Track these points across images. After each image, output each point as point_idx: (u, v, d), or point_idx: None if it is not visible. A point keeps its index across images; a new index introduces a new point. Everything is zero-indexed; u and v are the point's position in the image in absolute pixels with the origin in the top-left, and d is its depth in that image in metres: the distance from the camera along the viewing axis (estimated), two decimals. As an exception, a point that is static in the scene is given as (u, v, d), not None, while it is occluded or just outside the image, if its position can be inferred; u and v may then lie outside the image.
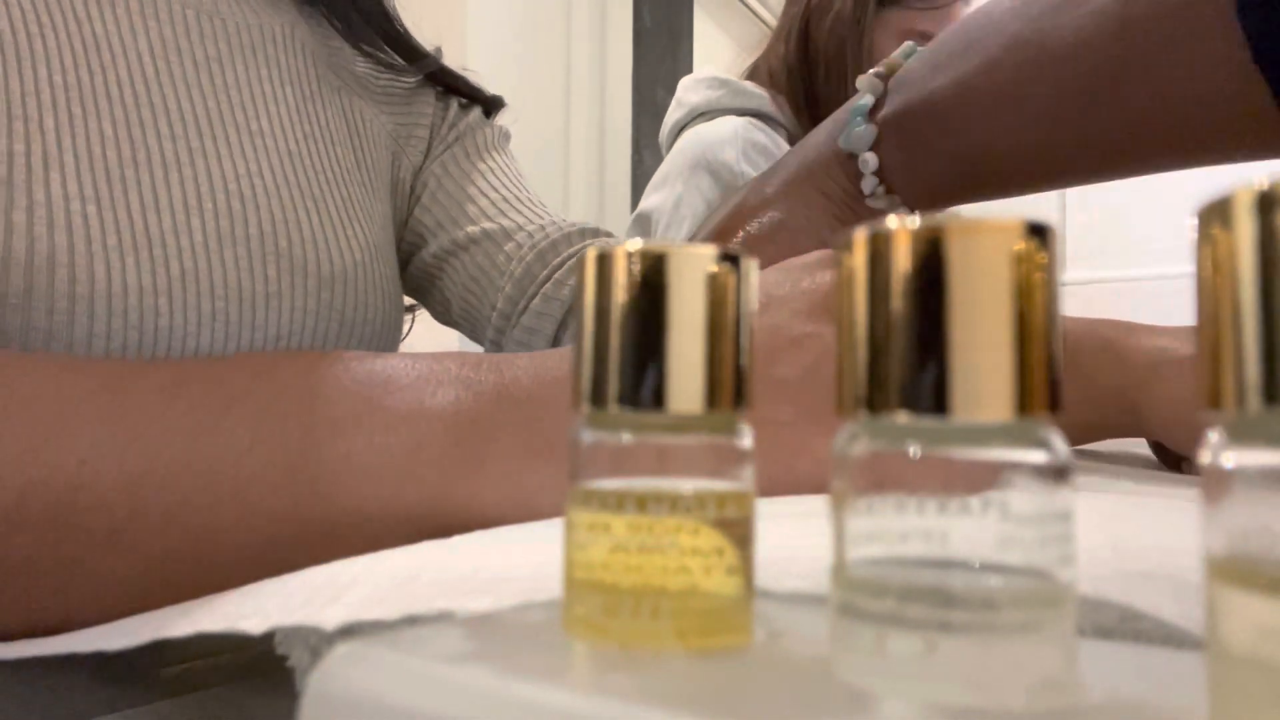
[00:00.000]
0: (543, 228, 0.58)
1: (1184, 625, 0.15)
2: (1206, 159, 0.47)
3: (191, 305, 0.38)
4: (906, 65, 0.53)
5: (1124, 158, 0.48)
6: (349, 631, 0.16)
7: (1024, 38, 0.47)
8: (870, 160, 0.52)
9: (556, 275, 0.57)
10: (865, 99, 0.53)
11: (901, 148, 0.52)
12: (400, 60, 0.58)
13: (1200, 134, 0.45)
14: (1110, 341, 0.45)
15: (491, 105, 0.64)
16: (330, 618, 0.17)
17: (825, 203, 0.54)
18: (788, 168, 0.57)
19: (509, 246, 0.58)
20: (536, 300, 0.57)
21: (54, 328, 0.35)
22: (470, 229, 0.58)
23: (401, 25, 0.59)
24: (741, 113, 1.14)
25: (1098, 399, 0.44)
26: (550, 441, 0.30)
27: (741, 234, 0.56)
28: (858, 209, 0.54)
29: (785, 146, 1.12)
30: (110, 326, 0.36)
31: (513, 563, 0.19)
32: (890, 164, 0.52)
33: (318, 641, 0.16)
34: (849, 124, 0.53)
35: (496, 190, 0.60)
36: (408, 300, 0.62)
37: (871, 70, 0.54)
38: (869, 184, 0.53)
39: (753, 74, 1.23)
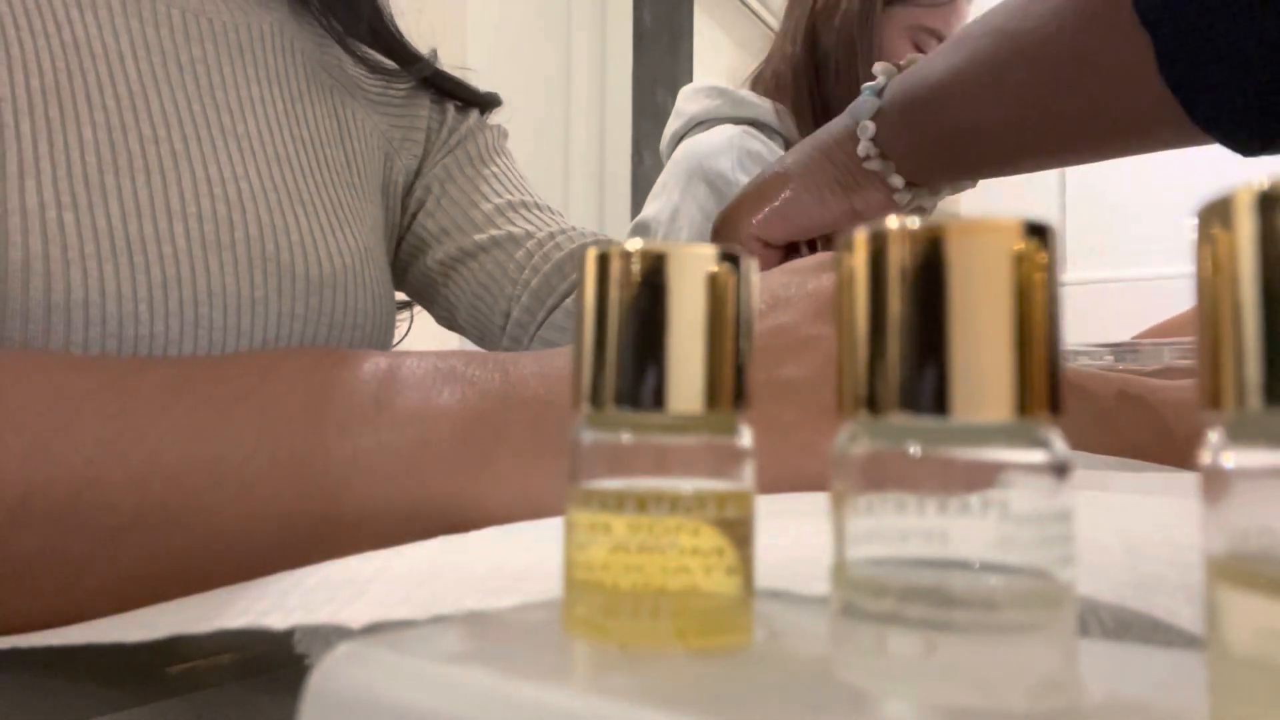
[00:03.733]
0: (552, 235, 0.58)
1: (1189, 626, 0.15)
2: (1128, 151, 0.56)
3: (174, 312, 0.38)
4: (918, 59, 0.62)
5: (1077, 143, 0.56)
6: (375, 630, 0.16)
7: (1002, 30, 0.56)
8: (869, 127, 0.61)
9: (575, 294, 0.57)
10: (880, 79, 0.62)
11: (899, 121, 0.60)
12: (392, 64, 0.57)
13: (1124, 129, 0.53)
14: (1142, 397, 0.45)
15: (487, 105, 0.64)
16: (355, 616, 0.17)
17: (830, 167, 0.63)
18: (804, 143, 0.66)
19: (519, 255, 0.57)
20: (557, 314, 0.57)
21: (29, 337, 0.34)
22: (478, 236, 0.58)
23: (394, 25, 0.58)
24: (739, 122, 1.14)
25: (1129, 455, 0.44)
26: (557, 440, 0.30)
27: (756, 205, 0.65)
28: (858, 174, 0.62)
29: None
30: (88, 335, 0.36)
31: (535, 560, 0.19)
32: (888, 134, 0.60)
33: (340, 640, 0.16)
34: (860, 97, 0.62)
35: (501, 196, 0.59)
36: (401, 297, 0.61)
37: (891, 63, 0.63)
38: (864, 147, 0.61)
39: (756, 81, 1.23)
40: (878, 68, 0.62)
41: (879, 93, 0.61)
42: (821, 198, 0.63)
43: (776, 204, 0.63)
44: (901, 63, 0.62)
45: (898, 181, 0.61)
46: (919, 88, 0.59)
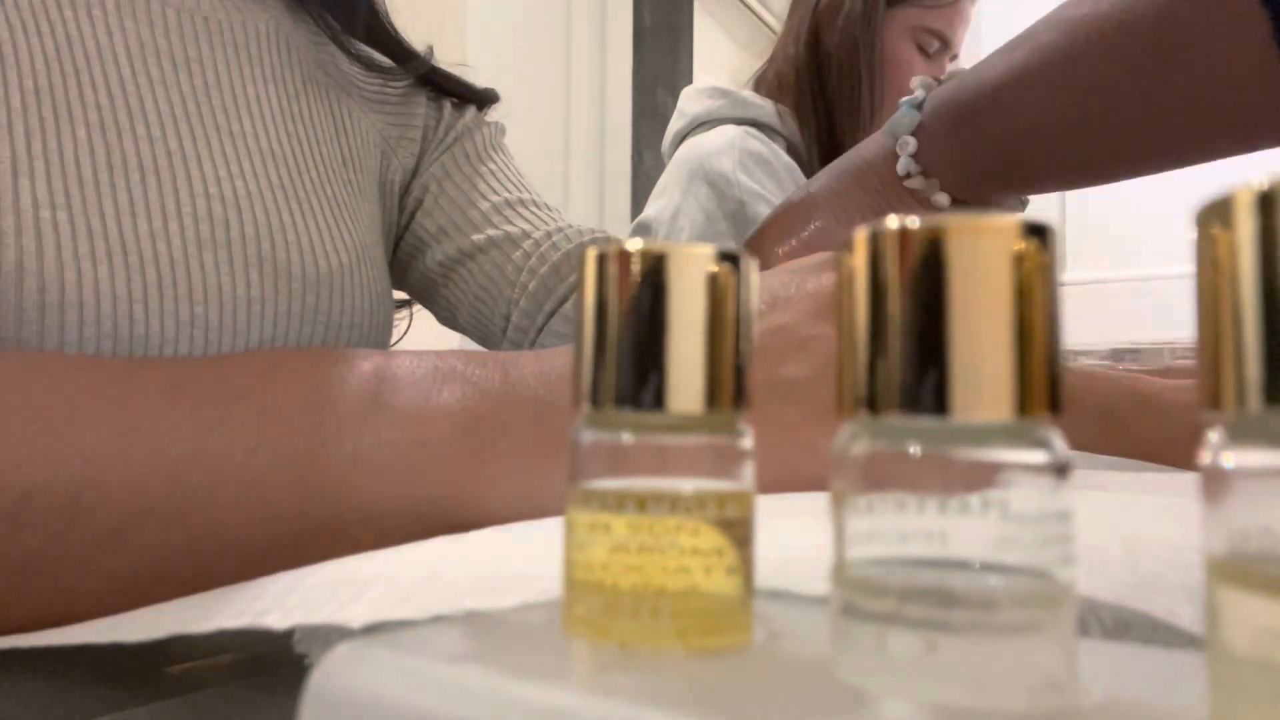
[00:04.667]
0: (549, 235, 0.58)
1: (1189, 626, 0.15)
2: (1235, 147, 0.49)
3: (169, 312, 0.38)
4: (958, 72, 0.57)
5: (1165, 141, 0.50)
6: (374, 630, 0.16)
7: (1074, 20, 0.50)
8: (909, 143, 0.56)
9: (575, 295, 0.56)
10: (918, 93, 0.57)
11: (946, 132, 0.55)
12: (389, 62, 0.57)
13: (1230, 120, 0.47)
14: (1150, 398, 0.45)
15: (484, 101, 0.63)
16: (355, 616, 0.17)
17: (860, 192, 0.58)
18: (831, 166, 0.62)
19: (517, 255, 0.57)
20: (555, 319, 0.57)
21: (24, 339, 0.34)
22: (476, 236, 0.58)
23: (390, 23, 0.58)
24: (741, 123, 1.14)
25: (1135, 454, 0.44)
26: (557, 439, 0.30)
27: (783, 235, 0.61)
28: (898, 194, 0.57)
29: (784, 156, 1.12)
30: (82, 335, 0.35)
31: (534, 559, 0.19)
32: (931, 148, 0.55)
33: (340, 640, 0.16)
34: (898, 113, 0.57)
35: (499, 194, 0.59)
36: (400, 296, 0.61)
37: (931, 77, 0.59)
38: (904, 164, 0.56)
39: (759, 82, 1.23)
40: (915, 81, 0.58)
41: (919, 106, 0.56)
42: (852, 226, 0.59)
43: (805, 234, 0.60)
44: (942, 77, 0.58)
45: (943, 200, 0.57)
46: (971, 94, 0.54)
